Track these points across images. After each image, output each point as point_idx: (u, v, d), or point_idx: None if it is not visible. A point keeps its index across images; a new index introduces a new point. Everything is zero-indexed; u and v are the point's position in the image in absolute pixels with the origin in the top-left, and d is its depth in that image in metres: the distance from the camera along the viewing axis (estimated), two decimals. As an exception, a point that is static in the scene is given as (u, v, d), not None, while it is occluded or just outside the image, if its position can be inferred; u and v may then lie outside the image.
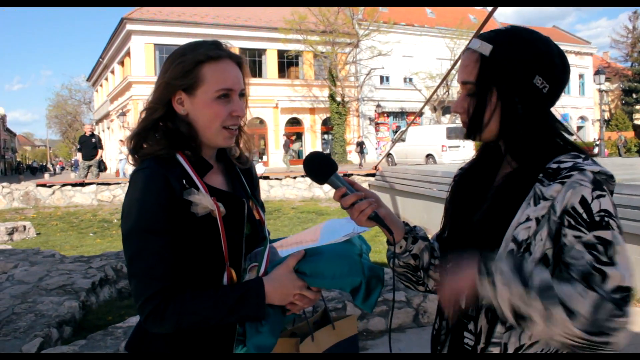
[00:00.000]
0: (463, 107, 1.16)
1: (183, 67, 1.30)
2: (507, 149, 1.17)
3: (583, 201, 0.98)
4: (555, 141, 1.12)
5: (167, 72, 1.33)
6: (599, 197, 0.98)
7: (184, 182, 1.28)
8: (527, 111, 1.10)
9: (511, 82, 1.09)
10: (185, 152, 1.33)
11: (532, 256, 1.02)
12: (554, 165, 1.05)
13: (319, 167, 1.23)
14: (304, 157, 1.29)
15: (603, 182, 1.01)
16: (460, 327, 1.19)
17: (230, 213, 1.32)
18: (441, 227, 1.33)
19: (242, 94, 1.38)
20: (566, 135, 1.15)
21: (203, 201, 1.26)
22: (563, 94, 1.15)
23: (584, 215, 0.98)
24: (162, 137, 1.32)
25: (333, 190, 1.23)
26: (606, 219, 0.98)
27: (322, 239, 1.33)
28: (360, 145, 23.50)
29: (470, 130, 1.17)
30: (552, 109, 1.17)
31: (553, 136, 1.12)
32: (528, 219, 1.03)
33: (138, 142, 1.35)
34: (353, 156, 31.91)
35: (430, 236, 1.37)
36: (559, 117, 1.18)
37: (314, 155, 1.25)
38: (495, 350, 1.07)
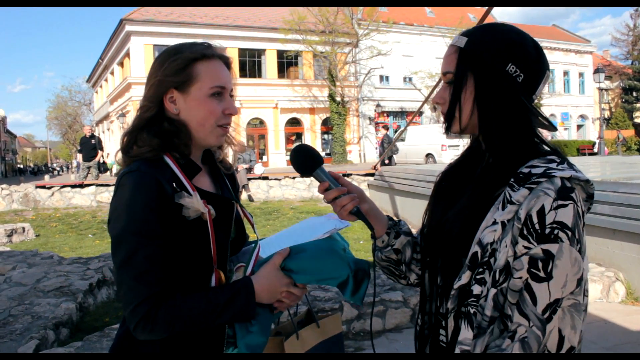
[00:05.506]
0: (443, 98, 1.18)
1: (177, 64, 1.30)
2: (485, 145, 1.16)
3: (540, 211, 0.98)
4: (531, 140, 1.11)
5: (159, 69, 1.32)
6: (558, 207, 0.97)
7: (174, 185, 1.26)
8: (501, 99, 1.10)
9: (485, 68, 1.10)
10: (173, 154, 1.31)
11: (497, 263, 1.01)
12: (526, 170, 1.04)
13: (305, 160, 1.26)
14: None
15: (573, 189, 1.00)
16: (438, 324, 1.19)
17: (218, 215, 1.32)
18: (422, 222, 1.33)
19: (231, 95, 1.38)
20: (547, 131, 1.14)
21: (195, 205, 1.25)
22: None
23: (537, 226, 0.98)
24: (153, 137, 1.31)
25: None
26: (556, 231, 0.96)
27: (304, 236, 1.33)
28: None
29: (448, 120, 1.17)
30: (542, 107, 1.14)
31: (528, 133, 1.11)
32: (494, 222, 1.02)
33: (130, 141, 1.33)
34: (353, 156, 31.91)
35: (414, 231, 1.38)
36: (546, 114, 1.16)
37: (301, 148, 1.27)
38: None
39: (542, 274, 0.97)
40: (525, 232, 0.99)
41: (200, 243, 1.28)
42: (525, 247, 0.98)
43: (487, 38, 1.12)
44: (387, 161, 18.88)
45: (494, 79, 1.10)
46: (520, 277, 0.98)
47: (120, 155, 1.35)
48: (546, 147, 1.11)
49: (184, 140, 1.32)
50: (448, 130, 1.19)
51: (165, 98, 1.32)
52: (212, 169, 1.47)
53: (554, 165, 1.03)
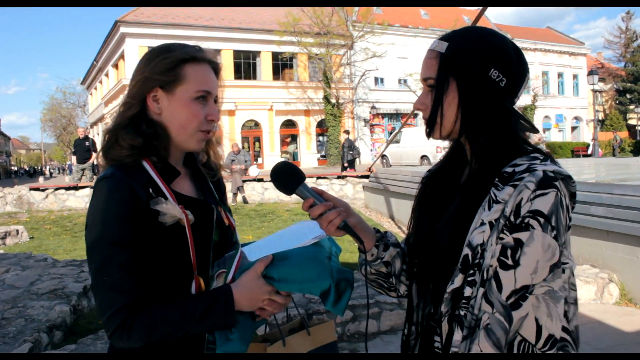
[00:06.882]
0: (424, 104, 1.16)
1: (166, 63, 1.27)
2: (470, 149, 1.15)
3: (518, 204, 0.98)
4: (515, 141, 1.10)
5: (147, 66, 1.29)
6: (536, 197, 0.97)
7: (151, 190, 1.23)
8: (484, 105, 1.09)
9: (468, 74, 1.09)
10: (151, 158, 1.28)
11: (485, 262, 1.00)
12: (510, 169, 1.03)
13: (286, 179, 1.20)
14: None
15: (556, 178, 0.99)
16: (430, 331, 1.18)
17: (198, 220, 1.29)
18: (408, 231, 1.31)
19: (215, 101, 1.36)
20: (529, 133, 1.13)
21: (171, 210, 1.22)
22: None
23: (512, 218, 0.98)
24: (135, 135, 1.27)
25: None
26: (527, 219, 0.97)
27: (291, 242, 1.30)
28: None
29: (430, 125, 1.15)
30: (530, 110, 1.14)
31: (513, 136, 1.11)
32: (482, 223, 1.02)
33: (110, 139, 1.29)
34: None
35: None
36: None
37: (280, 167, 1.21)
38: None
39: (509, 261, 0.97)
40: (502, 225, 0.99)
41: (179, 249, 1.25)
42: (500, 239, 0.99)
43: (469, 43, 1.11)
44: (346, 164, 18.70)
45: (478, 85, 1.09)
46: (492, 266, 0.99)
47: (101, 155, 1.31)
48: (529, 147, 1.10)
49: (163, 144, 1.30)
50: (429, 136, 1.18)
51: (148, 96, 1.29)
52: (194, 172, 1.44)
53: (537, 162, 1.03)
